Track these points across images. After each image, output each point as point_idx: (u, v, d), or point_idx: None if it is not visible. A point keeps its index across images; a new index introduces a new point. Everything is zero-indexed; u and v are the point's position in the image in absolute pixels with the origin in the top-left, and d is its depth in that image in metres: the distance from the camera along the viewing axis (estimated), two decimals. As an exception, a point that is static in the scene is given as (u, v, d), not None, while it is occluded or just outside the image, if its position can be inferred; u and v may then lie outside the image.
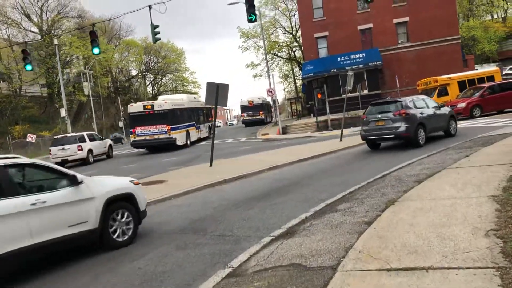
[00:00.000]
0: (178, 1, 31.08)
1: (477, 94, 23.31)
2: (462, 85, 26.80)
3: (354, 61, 34.88)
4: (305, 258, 4.97)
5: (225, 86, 14.84)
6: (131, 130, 27.82)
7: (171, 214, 9.07)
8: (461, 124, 20.71)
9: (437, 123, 15.55)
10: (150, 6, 18.07)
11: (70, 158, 24.67)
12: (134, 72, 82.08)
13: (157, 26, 18.06)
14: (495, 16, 62.18)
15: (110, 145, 29.46)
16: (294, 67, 61.28)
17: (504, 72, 36.50)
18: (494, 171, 8.00)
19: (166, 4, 18.89)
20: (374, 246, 4.93)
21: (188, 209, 9.37)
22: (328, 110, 30.68)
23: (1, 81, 55.68)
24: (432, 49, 35.52)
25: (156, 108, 27.17)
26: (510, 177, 7.30)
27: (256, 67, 60.09)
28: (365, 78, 35.23)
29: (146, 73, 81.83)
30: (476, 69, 35.36)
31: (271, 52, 55.72)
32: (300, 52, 51.48)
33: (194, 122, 32.65)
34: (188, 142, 30.08)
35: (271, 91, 36.27)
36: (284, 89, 77.41)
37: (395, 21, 36.37)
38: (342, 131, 20.65)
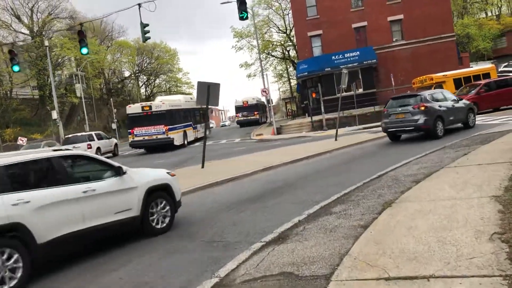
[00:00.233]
0: (172, 2, 30.78)
1: (473, 91, 23.06)
2: (457, 82, 26.59)
3: (349, 59, 34.59)
4: (297, 266, 4.64)
5: (216, 86, 14.49)
6: (130, 130, 28.14)
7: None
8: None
9: (456, 115, 16.14)
10: (139, 5, 17.68)
11: None
12: (127, 73, 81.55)
13: (147, 25, 17.69)
14: (489, 14, 62.22)
15: (115, 143, 30.38)
16: (288, 66, 60.96)
17: (499, 70, 36.38)
18: (495, 170, 7.70)
19: (157, 4, 18.51)
20: (370, 252, 4.60)
21: (177, 213, 9.00)
22: (323, 110, 30.37)
23: (-9, 84, 54.97)
24: (427, 46, 35.30)
25: (154, 109, 27.58)
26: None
27: (250, 67, 59.78)
28: (360, 77, 34.95)
29: (139, 74, 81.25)
30: (471, 67, 35.20)
31: (265, 51, 55.40)
32: (294, 51, 51.19)
33: (191, 123, 33.08)
34: (186, 142, 30.38)
35: (265, 91, 35.96)
36: (279, 89, 77.11)
37: (389, 19, 36.12)
38: (337, 130, 20.35)
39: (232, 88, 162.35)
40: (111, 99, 68.33)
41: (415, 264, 4.09)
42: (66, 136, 31.37)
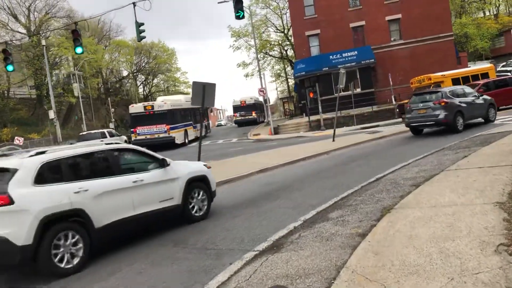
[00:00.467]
0: (170, 1, 30.67)
1: (471, 91, 22.80)
2: (456, 82, 26.28)
3: (347, 59, 34.32)
4: (291, 279, 4.38)
5: (212, 86, 14.18)
6: (132, 130, 28.87)
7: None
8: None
9: (476, 111, 16.88)
10: (134, 4, 17.40)
11: None
12: (125, 73, 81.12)
13: (142, 24, 17.39)
14: (487, 13, 62.04)
15: (125, 140, 31.23)
16: (286, 66, 60.68)
17: (497, 69, 36.17)
18: (497, 173, 7.46)
19: (155, 3, 18.21)
20: (369, 264, 4.35)
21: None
22: (320, 110, 30.11)
23: (-12, 83, 54.53)
24: (425, 46, 35.04)
25: (156, 108, 28.42)
26: (515, 180, 6.77)
27: (248, 67, 59.42)
28: (358, 77, 34.69)
29: (137, 74, 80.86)
30: (469, 67, 34.97)
31: (263, 51, 55.11)
32: (292, 51, 50.86)
33: (191, 122, 33.71)
34: (186, 141, 31.05)
35: (263, 91, 35.72)
36: (277, 89, 76.78)
37: (387, 18, 35.86)
38: (334, 131, 20.09)
39: (231, 88, 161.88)
40: (109, 99, 67.94)
41: (416, 279, 3.84)
42: (80, 134, 33.07)
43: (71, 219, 6.04)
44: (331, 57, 34.63)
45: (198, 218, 8.00)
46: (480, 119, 17.43)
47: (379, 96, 34.95)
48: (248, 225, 7.33)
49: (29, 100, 60.17)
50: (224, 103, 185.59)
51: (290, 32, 47.89)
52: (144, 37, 17.62)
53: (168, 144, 27.78)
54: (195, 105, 14.21)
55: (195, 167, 8.42)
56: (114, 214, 6.54)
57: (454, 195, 6.49)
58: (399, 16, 35.69)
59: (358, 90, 34.28)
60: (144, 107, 29.06)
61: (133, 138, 28.77)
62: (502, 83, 22.93)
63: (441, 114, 15.60)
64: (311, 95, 33.18)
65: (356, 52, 34.72)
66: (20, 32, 58.55)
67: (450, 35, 36.10)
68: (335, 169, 12.24)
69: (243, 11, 16.28)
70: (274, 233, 6.29)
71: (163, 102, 30.02)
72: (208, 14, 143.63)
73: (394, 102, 31.92)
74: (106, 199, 6.47)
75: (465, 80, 26.30)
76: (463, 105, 16.10)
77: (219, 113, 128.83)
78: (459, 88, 17.46)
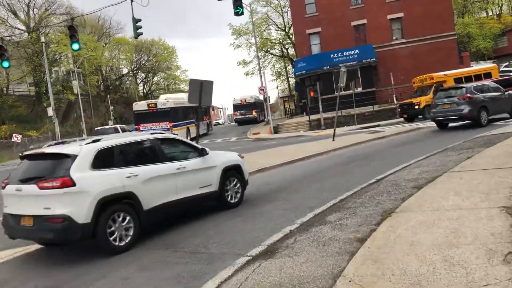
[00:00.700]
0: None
1: (474, 91, 22.50)
2: (458, 82, 25.86)
3: (348, 58, 33.97)
4: (284, 288, 4.09)
5: (210, 83, 13.89)
6: (136, 127, 29.36)
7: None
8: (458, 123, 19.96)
9: (501, 106, 17.48)
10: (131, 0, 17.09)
11: None
12: (125, 71, 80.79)
13: (139, 20, 17.09)
14: (490, 13, 61.62)
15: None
16: (287, 64, 60.33)
17: (500, 69, 35.81)
18: (502, 176, 7.16)
19: (153, 1, 17.90)
20: (368, 273, 4.06)
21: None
22: (321, 109, 29.81)
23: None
24: (428, 45, 34.70)
25: (159, 106, 29.18)
26: (521, 183, 6.48)
27: (248, 65, 59.09)
28: (359, 76, 34.35)
29: (137, 71, 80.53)
30: (472, 66, 34.61)
31: (263, 49, 54.76)
32: (293, 50, 50.52)
33: (193, 120, 33.98)
34: (188, 138, 31.28)
35: (263, 89, 35.42)
36: (277, 87, 76.48)
37: (389, 16, 35.53)
38: (334, 130, 19.79)
39: (231, 86, 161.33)
40: (108, 96, 67.65)
41: (419, 290, 3.55)
42: (96, 128, 35.92)
43: (123, 201, 6.57)
44: (332, 55, 34.30)
45: (233, 205, 8.53)
46: (506, 115, 18.03)
47: (380, 96, 34.63)
48: (243, 227, 7.05)
49: (28, 97, 59.90)
50: (224, 102, 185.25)
51: (291, 30, 47.54)
52: (141, 34, 17.33)
53: None
54: (192, 103, 13.94)
55: (230, 157, 9.00)
56: (160, 198, 7.07)
57: (458, 198, 6.20)
58: (401, 14, 35.36)
59: (359, 89, 33.96)
60: (148, 105, 29.76)
61: None
62: (505, 83, 22.55)
63: (465, 109, 16.29)
64: (312, 94, 32.88)
65: (357, 50, 34.39)
66: (19, 29, 58.32)
67: (453, 34, 35.77)
68: (335, 169, 11.95)
69: (242, 7, 15.99)
70: (269, 237, 6.00)
71: (166, 100, 30.56)
72: (207, 12, 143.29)
73: (395, 102, 31.61)
74: (153, 183, 6.99)
75: (468, 80, 25.94)
76: (488, 100, 16.71)
77: (220, 111, 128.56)
78: (484, 83, 18.17)
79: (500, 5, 61.05)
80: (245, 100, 54.07)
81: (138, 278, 5.35)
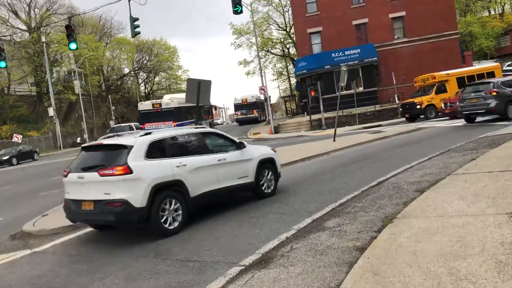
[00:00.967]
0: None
1: (477, 90, 22.16)
2: (461, 81, 25.60)
3: (349, 57, 33.69)
4: (277, 303, 3.80)
5: (207, 83, 13.61)
6: (141, 126, 30.16)
7: (134, 230, 7.85)
8: (461, 123, 19.67)
9: None
10: (129, -2, 16.81)
11: None
12: (126, 70, 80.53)
13: (137, 19, 16.82)
14: (493, 12, 61.18)
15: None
16: (288, 64, 60.05)
17: (503, 68, 35.41)
18: (508, 179, 6.86)
19: (154, 1, 17.63)
20: (367, 287, 3.76)
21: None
22: (322, 108, 29.50)
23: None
24: (430, 44, 34.37)
25: (163, 106, 30.39)
26: (530, 187, 6.17)
27: (249, 65, 58.91)
28: (361, 75, 33.98)
29: (138, 71, 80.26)
30: (474, 66, 34.25)
31: (264, 49, 54.51)
32: (294, 49, 50.23)
33: (194, 120, 34.49)
34: None
35: (264, 89, 35.13)
36: (279, 87, 76.20)
37: (391, 15, 35.20)
38: (335, 130, 19.48)
39: (232, 86, 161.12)
40: (109, 96, 67.43)
41: (422, 308, 3.26)
42: (112, 126, 38.23)
43: (173, 189, 7.11)
44: (333, 55, 34.02)
45: (268, 194, 9.07)
46: None
47: (382, 95, 34.32)
48: (238, 233, 6.76)
49: (29, 97, 59.74)
50: (226, 102, 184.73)
51: (292, 30, 47.23)
52: (138, 33, 17.07)
53: None
54: (190, 102, 13.65)
55: (265, 150, 9.54)
56: (204, 186, 7.62)
57: (463, 203, 5.90)
58: (403, 13, 35.04)
59: (361, 88, 33.66)
60: (153, 104, 31.02)
61: None
62: (509, 83, 22.19)
63: (492, 103, 16.77)
64: (313, 93, 32.57)
65: (358, 50, 34.09)
66: (20, 29, 58.15)
67: (455, 33, 35.43)
68: (335, 171, 11.65)
69: (241, 5, 15.71)
70: (264, 244, 5.71)
71: (170, 100, 31.57)
72: (209, 11, 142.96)
73: (397, 101, 31.28)
74: (199, 173, 7.53)
75: (471, 79, 25.60)
76: None
77: (222, 111, 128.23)
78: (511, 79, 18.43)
79: (503, 4, 60.61)
80: (246, 100, 53.87)
81: (125, 289, 5.06)
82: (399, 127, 23.00)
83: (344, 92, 30.82)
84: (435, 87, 25.73)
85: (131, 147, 6.90)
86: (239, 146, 8.69)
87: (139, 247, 6.66)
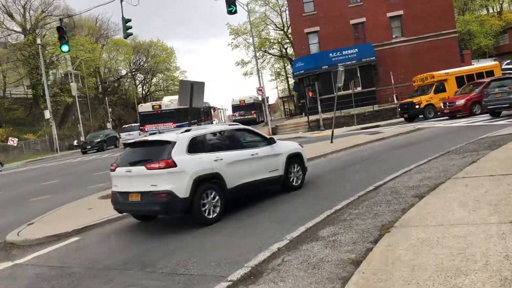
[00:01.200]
0: (170, 1, 30.22)
1: (476, 90, 21.90)
2: (460, 80, 25.39)
3: (347, 57, 33.40)
4: (264, 327, 3.49)
5: (201, 85, 13.27)
6: (141, 127, 30.88)
7: (121, 239, 7.56)
8: (461, 123, 19.41)
9: None
10: (121, -2, 16.50)
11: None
12: (123, 72, 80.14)
13: (129, 20, 16.50)
14: (491, 10, 60.96)
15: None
16: (286, 64, 59.77)
17: (502, 67, 35.14)
18: (511, 183, 6.55)
19: (152, 3, 17.27)
20: (361, 308, 3.45)
21: (143, 232, 7.86)
22: (319, 109, 29.19)
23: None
24: (428, 43, 34.09)
25: (163, 107, 30.66)
26: (534, 192, 5.87)
27: (247, 65, 58.67)
28: (358, 75, 33.77)
29: (135, 73, 79.89)
30: (473, 64, 33.97)
31: (262, 49, 54.21)
32: (292, 49, 49.95)
33: (196, 120, 34.97)
34: None
35: (261, 90, 34.84)
36: (277, 87, 75.91)
37: (388, 14, 34.92)
38: (332, 132, 19.18)
39: (231, 86, 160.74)
40: (106, 98, 67.05)
41: (421, 335, 2.95)
42: (123, 126, 41.98)
43: (212, 181, 7.64)
44: (330, 55, 33.74)
45: (296, 187, 9.56)
46: None
47: (380, 95, 34.04)
48: (228, 243, 6.45)
49: (25, 100, 59.34)
50: (225, 103, 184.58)
51: (290, 30, 46.95)
52: (130, 34, 16.75)
53: None
54: (182, 105, 13.33)
55: (293, 146, 10.05)
56: (239, 179, 8.12)
57: (464, 211, 5.60)
58: (401, 12, 34.77)
59: (359, 89, 33.38)
60: (152, 106, 31.18)
61: (141, 136, 31.77)
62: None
63: None
64: (310, 94, 32.26)
65: (356, 49, 33.81)
66: (15, 31, 57.77)
67: (454, 32, 35.15)
68: (332, 174, 11.35)
69: (235, 5, 15.42)
70: (255, 256, 5.39)
71: (170, 102, 31.46)
72: (206, 12, 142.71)
73: (396, 101, 31.02)
74: (234, 166, 8.05)
75: (470, 78, 25.37)
76: None
77: (220, 112, 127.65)
78: None
79: (501, 2, 60.38)
80: (244, 101, 53.54)
81: (104, 307, 4.75)
82: (397, 127, 22.73)
83: (342, 92, 30.56)
84: (434, 87, 25.45)
85: (174, 143, 7.46)
86: (270, 141, 9.24)
87: (125, 258, 6.36)
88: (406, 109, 26.01)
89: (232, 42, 57.13)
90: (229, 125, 9.26)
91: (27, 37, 53.82)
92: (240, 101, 53.61)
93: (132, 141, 8.49)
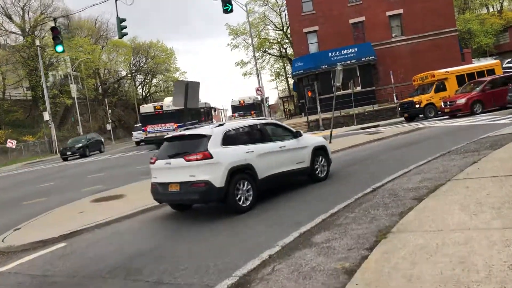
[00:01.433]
0: (169, 1, 29.95)
1: (477, 88, 21.61)
2: (460, 79, 25.07)
3: (346, 56, 33.11)
4: None
5: (195, 85, 13.03)
6: (143, 128, 31.38)
7: (109, 245, 7.27)
8: (461, 122, 19.12)
9: None
10: (116, -2, 16.23)
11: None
12: (123, 73, 79.93)
13: (124, 20, 16.24)
14: (491, 9, 60.64)
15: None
16: (285, 64, 59.47)
17: (503, 66, 34.83)
18: (514, 185, 6.27)
19: (151, 3, 17.01)
20: (353, 325, 3.17)
21: (133, 237, 7.60)
22: (319, 109, 28.90)
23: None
24: (428, 42, 33.77)
25: (165, 108, 30.70)
26: (539, 195, 5.59)
27: (246, 65, 58.33)
28: (358, 74, 33.47)
29: (135, 74, 79.67)
30: (473, 63, 33.67)
31: (261, 49, 53.94)
32: (292, 49, 49.68)
33: (197, 121, 35.07)
34: None
35: (260, 90, 34.60)
36: (277, 87, 75.60)
37: (388, 13, 34.61)
38: (331, 132, 18.92)
39: (231, 86, 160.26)
40: (106, 100, 66.81)
41: None
42: (135, 125, 44.30)
43: (245, 171, 8.12)
44: (330, 54, 33.45)
45: (321, 178, 9.99)
46: None
47: (380, 95, 33.75)
48: (218, 248, 6.17)
49: (24, 102, 59.14)
50: (225, 103, 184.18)
51: (289, 30, 46.69)
52: (125, 34, 16.47)
53: None
54: (177, 105, 13.10)
55: (318, 139, 10.61)
56: (269, 170, 8.59)
57: (465, 215, 5.31)
58: (401, 11, 34.47)
59: (358, 88, 33.10)
60: (154, 107, 31.58)
61: (143, 136, 31.59)
62: (510, 80, 21.64)
63: None
64: (309, 94, 31.97)
65: (356, 49, 33.52)
66: (14, 33, 57.60)
67: (454, 30, 34.85)
68: (330, 175, 11.04)
69: (231, 4, 15.15)
70: (245, 264, 5.10)
71: (171, 102, 32.22)
72: (205, 12, 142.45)
73: (395, 101, 30.73)
74: (264, 158, 8.54)
75: (471, 77, 25.05)
76: None
77: (221, 112, 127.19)
78: None
79: (501, 1, 60.07)
80: (243, 101, 53.24)
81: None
82: (397, 127, 22.43)
83: (342, 92, 30.31)
84: (434, 86, 25.15)
85: (210, 136, 7.98)
86: (296, 135, 9.67)
87: (110, 265, 6.08)
88: (406, 108, 25.71)
89: (231, 43, 56.90)
90: (258, 119, 9.78)
91: (26, 39, 53.62)
92: (239, 102, 53.30)
93: (170, 135, 9.13)
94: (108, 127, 63.59)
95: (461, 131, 16.01)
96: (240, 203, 7.92)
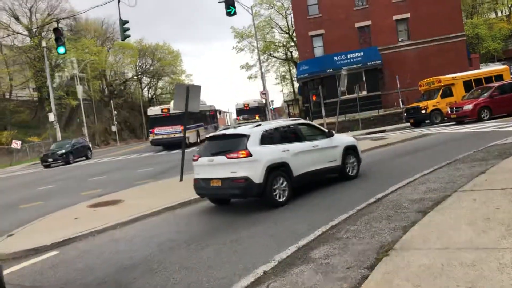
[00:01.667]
0: (176, 2, 29.85)
1: (485, 94, 21.24)
2: (468, 85, 24.71)
3: (352, 60, 32.82)
4: None
5: (196, 88, 12.87)
6: (151, 130, 32.00)
7: (102, 254, 7.02)
8: (468, 129, 18.75)
9: None
10: (118, 0, 16.08)
11: None
12: (129, 75, 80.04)
13: (126, 22, 16.09)
14: (499, 14, 60.07)
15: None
16: (291, 68, 59.25)
17: (511, 71, 34.36)
18: (525, 199, 5.96)
19: (156, 5, 16.87)
20: None
21: (127, 246, 7.34)
22: (323, 113, 28.61)
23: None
24: (435, 47, 33.38)
25: (171, 111, 30.66)
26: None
27: (251, 68, 58.23)
28: (364, 79, 33.15)
29: (141, 76, 79.77)
30: (481, 68, 33.24)
31: (267, 52, 53.78)
32: (297, 53, 49.48)
33: (202, 123, 36.18)
34: (198, 140, 33.13)
35: (265, 93, 34.39)
36: (282, 91, 75.37)
37: (395, 17, 34.29)
38: (336, 137, 18.54)
39: (236, 89, 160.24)
40: (112, 101, 66.90)
41: None
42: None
43: (281, 169, 8.67)
44: (335, 58, 33.18)
45: (352, 177, 10.43)
46: None
47: (385, 100, 33.40)
48: (213, 261, 5.91)
49: (31, 103, 59.37)
50: (229, 106, 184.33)
51: (295, 33, 46.47)
52: (128, 36, 16.33)
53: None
54: (178, 109, 12.94)
55: (349, 139, 11.01)
56: (303, 168, 9.11)
57: (472, 231, 5.02)
58: (407, 15, 34.14)
59: (364, 93, 32.77)
60: (161, 109, 32.14)
61: (151, 138, 32.11)
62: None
63: None
64: (314, 98, 31.70)
65: (362, 53, 33.22)
66: (21, 34, 57.83)
67: (462, 35, 34.44)
68: (331, 183, 10.76)
69: (234, 7, 14.97)
70: (239, 280, 4.86)
71: None
72: (213, 15, 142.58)
73: (401, 106, 30.37)
74: (299, 156, 9.05)
75: (478, 82, 24.69)
76: None
77: (226, 115, 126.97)
78: None
79: (509, 6, 59.48)
80: (248, 105, 53.11)
81: None
82: (403, 133, 22.09)
83: (347, 96, 30.02)
84: (441, 91, 24.81)
85: (249, 136, 8.57)
86: (328, 135, 10.13)
87: (100, 277, 5.84)
88: (412, 114, 25.37)
89: (236, 46, 56.82)
90: (292, 120, 10.49)
91: (33, 40, 53.84)
92: (244, 105, 53.18)
93: (211, 135, 9.83)
94: (114, 128, 63.66)
95: (468, 138, 15.66)
96: (277, 198, 8.49)
